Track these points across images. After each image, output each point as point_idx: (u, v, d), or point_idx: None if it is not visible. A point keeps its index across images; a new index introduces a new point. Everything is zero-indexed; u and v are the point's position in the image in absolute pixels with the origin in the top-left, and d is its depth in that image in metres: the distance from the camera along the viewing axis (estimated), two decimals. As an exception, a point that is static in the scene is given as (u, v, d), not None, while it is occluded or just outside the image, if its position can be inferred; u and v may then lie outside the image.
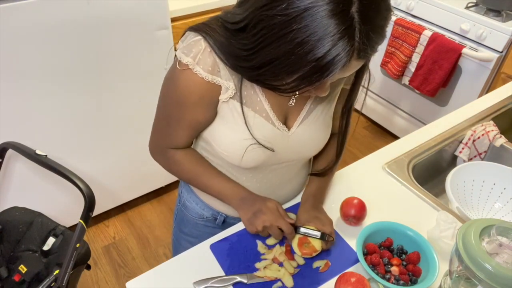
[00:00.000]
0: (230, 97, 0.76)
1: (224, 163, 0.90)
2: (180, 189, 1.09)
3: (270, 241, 0.92)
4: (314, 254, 0.87)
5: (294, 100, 0.81)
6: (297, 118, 0.84)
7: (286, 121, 0.83)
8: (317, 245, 0.87)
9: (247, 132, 0.78)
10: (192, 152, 0.92)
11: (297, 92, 0.76)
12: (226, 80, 0.74)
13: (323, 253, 0.90)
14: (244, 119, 0.77)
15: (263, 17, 0.58)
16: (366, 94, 0.88)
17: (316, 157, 1.02)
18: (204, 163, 0.92)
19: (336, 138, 0.95)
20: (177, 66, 0.74)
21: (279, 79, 0.63)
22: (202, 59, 0.71)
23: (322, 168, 0.98)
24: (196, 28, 0.73)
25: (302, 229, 0.87)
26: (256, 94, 0.78)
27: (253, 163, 0.83)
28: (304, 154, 0.90)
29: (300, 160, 0.95)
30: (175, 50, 0.76)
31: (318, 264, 0.88)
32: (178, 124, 0.82)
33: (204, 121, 0.81)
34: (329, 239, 0.87)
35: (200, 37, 0.72)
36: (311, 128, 0.85)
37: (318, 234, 0.86)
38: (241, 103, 0.76)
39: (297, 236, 0.88)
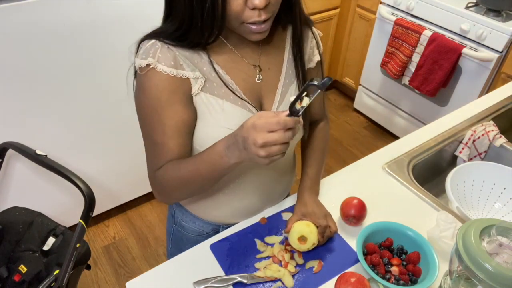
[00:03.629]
0: (200, 88, 0.76)
1: None
2: (172, 210, 1.05)
3: (269, 239, 0.93)
4: (311, 247, 0.88)
5: (261, 77, 0.81)
6: (272, 103, 0.83)
7: (262, 108, 0.83)
8: (314, 238, 0.87)
9: (225, 123, 0.77)
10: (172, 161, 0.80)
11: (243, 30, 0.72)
12: (192, 71, 0.74)
13: (319, 251, 0.90)
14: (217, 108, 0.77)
15: None
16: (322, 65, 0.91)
17: (303, 150, 1.02)
18: (184, 160, 0.79)
19: (320, 127, 0.96)
20: (139, 72, 0.74)
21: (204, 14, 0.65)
22: (162, 56, 0.73)
23: (310, 161, 0.98)
24: (147, 36, 0.76)
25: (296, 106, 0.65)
26: (221, 82, 0.77)
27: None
28: None
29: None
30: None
31: (312, 264, 0.88)
32: (164, 134, 0.76)
33: (189, 119, 0.77)
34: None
35: (153, 40, 0.74)
36: None
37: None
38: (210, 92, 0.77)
39: (295, 233, 0.88)
